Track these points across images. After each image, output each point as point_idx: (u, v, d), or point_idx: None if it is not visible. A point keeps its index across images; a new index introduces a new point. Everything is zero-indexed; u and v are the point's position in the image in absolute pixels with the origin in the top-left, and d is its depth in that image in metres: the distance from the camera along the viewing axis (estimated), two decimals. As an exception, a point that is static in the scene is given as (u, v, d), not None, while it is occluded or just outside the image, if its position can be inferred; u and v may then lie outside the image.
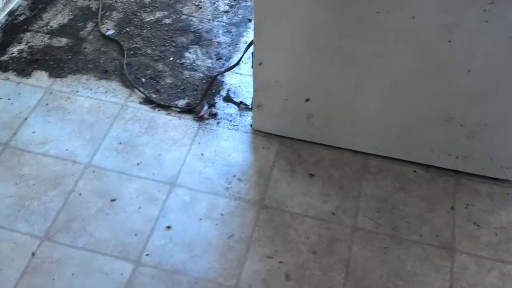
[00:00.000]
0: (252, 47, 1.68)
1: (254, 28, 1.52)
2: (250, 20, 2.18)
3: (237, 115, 1.85)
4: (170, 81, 1.94)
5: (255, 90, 1.68)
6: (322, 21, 1.44)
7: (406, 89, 1.53)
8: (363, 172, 1.69)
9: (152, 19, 2.16)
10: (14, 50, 2.03)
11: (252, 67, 1.69)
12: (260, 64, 1.56)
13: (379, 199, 1.63)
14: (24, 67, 1.96)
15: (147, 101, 1.87)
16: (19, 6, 2.19)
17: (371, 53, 1.46)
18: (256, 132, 1.79)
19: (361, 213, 1.59)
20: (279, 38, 1.51)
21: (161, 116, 1.83)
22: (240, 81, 1.95)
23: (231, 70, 1.95)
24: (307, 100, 1.63)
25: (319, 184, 1.66)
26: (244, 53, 1.77)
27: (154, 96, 1.89)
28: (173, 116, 1.84)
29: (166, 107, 1.86)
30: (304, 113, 1.67)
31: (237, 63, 1.84)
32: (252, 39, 1.61)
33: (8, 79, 1.92)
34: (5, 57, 2.00)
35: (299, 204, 1.60)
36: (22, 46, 2.04)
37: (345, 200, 1.62)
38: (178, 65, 2.00)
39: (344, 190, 1.65)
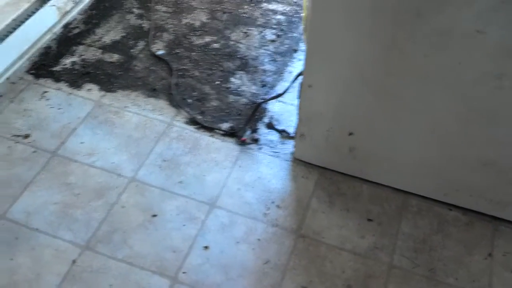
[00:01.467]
0: (299, 78, 1.72)
1: (305, 60, 1.56)
2: (295, 51, 2.22)
3: (278, 142, 1.88)
4: (215, 104, 1.99)
5: (299, 120, 1.71)
6: (370, 58, 1.47)
7: (447, 131, 1.54)
8: (402, 211, 1.70)
9: (201, 43, 2.22)
10: (67, 61, 2.10)
11: (298, 97, 1.73)
12: (309, 86, 1.58)
13: (417, 239, 1.63)
14: (76, 79, 2.03)
15: (192, 121, 1.92)
16: (74, 19, 2.27)
17: (416, 94, 1.49)
18: (297, 161, 1.81)
19: (398, 252, 1.59)
20: (327, 71, 1.54)
21: (205, 138, 1.87)
22: (283, 109, 1.99)
23: (275, 98, 1.98)
24: (350, 134, 1.65)
25: (356, 218, 1.66)
26: (292, 83, 1.80)
27: (199, 117, 1.93)
28: (216, 138, 1.88)
29: (210, 129, 1.90)
30: (346, 147, 1.69)
31: (284, 92, 1.88)
32: (300, 70, 1.65)
33: (60, 89, 1.98)
34: (58, 68, 2.07)
35: (336, 236, 1.61)
36: (75, 59, 2.11)
37: (382, 237, 1.63)
38: (224, 89, 2.05)
39: (382, 227, 1.65)
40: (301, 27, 2.30)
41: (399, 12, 1.34)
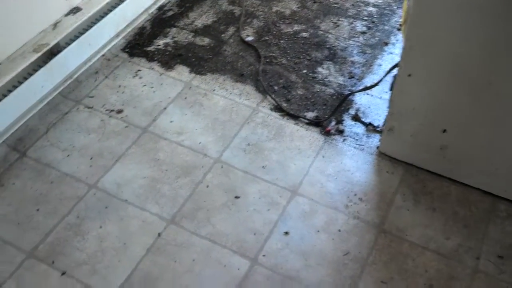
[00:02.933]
0: (393, 70, 1.69)
1: (402, 52, 1.52)
2: (386, 44, 2.18)
3: (363, 135, 1.85)
4: (301, 93, 1.98)
5: (390, 114, 1.67)
6: (473, 54, 1.41)
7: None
8: (491, 215, 1.63)
9: (290, 31, 2.22)
10: (160, 42, 2.16)
11: (389, 90, 1.69)
12: (408, 76, 1.54)
13: (505, 245, 1.56)
14: (168, 60, 2.09)
15: (277, 108, 1.93)
16: (169, 2, 2.33)
17: (523, 93, 1.42)
18: (382, 155, 1.78)
19: (484, 256, 1.53)
20: (426, 65, 1.50)
21: (289, 125, 1.88)
22: (370, 102, 1.95)
23: (365, 91, 1.95)
24: (444, 131, 1.60)
25: (442, 218, 1.62)
26: (386, 75, 1.76)
27: (284, 104, 1.94)
28: (301, 126, 1.87)
29: (294, 117, 1.90)
30: (437, 144, 1.64)
31: (375, 85, 1.84)
32: (395, 62, 1.61)
33: (152, 68, 2.05)
34: (151, 48, 2.14)
35: (420, 235, 1.57)
36: (167, 40, 2.17)
37: (468, 239, 1.57)
38: (311, 78, 2.04)
39: (468, 230, 1.60)
40: (395, 20, 2.25)
41: (508, 9, 1.27)
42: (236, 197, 1.65)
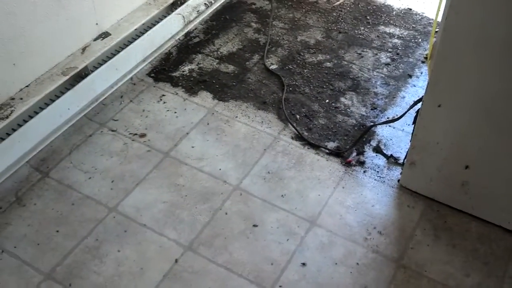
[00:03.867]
0: (417, 104, 1.68)
1: (427, 86, 1.52)
2: (410, 76, 2.18)
3: (384, 167, 1.84)
4: (323, 122, 1.99)
5: (412, 147, 1.66)
6: (498, 92, 1.40)
7: None
8: (512, 253, 1.60)
9: (314, 61, 2.23)
10: (186, 68, 2.19)
11: (413, 123, 1.68)
12: (433, 110, 1.53)
13: (527, 286, 1.52)
14: (192, 85, 2.12)
15: (298, 137, 1.93)
16: (195, 29, 2.38)
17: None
18: (403, 188, 1.77)
19: (506, 296, 1.50)
20: (450, 100, 1.49)
21: (310, 154, 1.88)
22: (392, 134, 1.95)
23: (389, 123, 1.95)
24: (466, 167, 1.58)
25: (463, 255, 1.59)
26: (410, 109, 1.76)
27: (305, 133, 1.94)
28: (321, 156, 1.87)
29: (315, 147, 1.90)
30: (459, 180, 1.62)
31: (399, 118, 1.84)
32: (420, 96, 1.61)
33: (177, 94, 2.07)
34: (176, 73, 2.17)
35: (439, 272, 1.55)
36: (193, 66, 2.20)
37: (488, 277, 1.54)
38: (333, 108, 2.04)
39: (488, 267, 1.56)
40: (419, 52, 2.25)
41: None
42: (254, 226, 1.65)
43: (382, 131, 1.96)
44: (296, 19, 2.44)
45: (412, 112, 1.79)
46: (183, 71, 2.18)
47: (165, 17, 2.18)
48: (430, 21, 2.41)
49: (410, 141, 1.68)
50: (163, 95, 2.06)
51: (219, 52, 2.27)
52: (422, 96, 1.57)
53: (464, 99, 1.47)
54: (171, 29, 2.23)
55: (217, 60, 2.23)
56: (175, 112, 2.00)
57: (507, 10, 1.25)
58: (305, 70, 2.19)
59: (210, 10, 2.42)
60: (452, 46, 1.40)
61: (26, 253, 1.56)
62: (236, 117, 2.00)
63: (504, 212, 1.62)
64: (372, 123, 1.96)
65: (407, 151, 1.71)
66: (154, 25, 2.15)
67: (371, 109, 2.04)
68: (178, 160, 1.83)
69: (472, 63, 1.40)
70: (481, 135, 1.51)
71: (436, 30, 1.63)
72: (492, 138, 1.50)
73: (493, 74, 1.38)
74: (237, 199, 1.72)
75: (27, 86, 1.83)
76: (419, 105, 1.61)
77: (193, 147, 1.88)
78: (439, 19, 1.48)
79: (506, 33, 1.29)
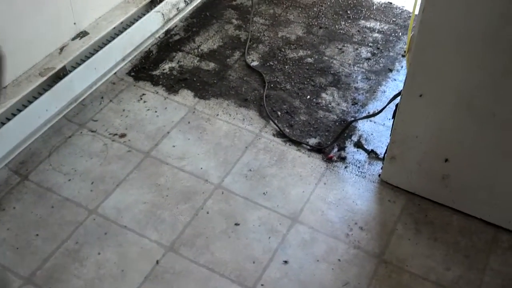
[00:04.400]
0: (396, 98, 1.69)
1: (405, 80, 1.52)
2: (390, 70, 2.18)
3: (366, 162, 1.85)
4: (304, 119, 1.98)
5: (392, 142, 1.67)
6: (478, 84, 1.41)
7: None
8: (492, 245, 1.61)
9: (295, 57, 2.23)
10: (166, 67, 2.18)
11: (392, 118, 1.69)
12: (411, 104, 1.53)
13: (506, 276, 1.54)
14: (173, 84, 2.10)
15: (280, 134, 1.93)
16: (175, 26, 2.36)
17: (526, 125, 1.40)
18: (384, 183, 1.77)
19: (485, 287, 1.51)
20: (428, 94, 1.49)
21: (291, 151, 1.87)
22: (373, 129, 1.95)
23: (368, 118, 1.95)
24: (446, 160, 1.59)
25: (444, 249, 1.60)
26: (388, 103, 1.76)
27: (287, 130, 1.94)
28: (303, 153, 1.87)
29: (297, 143, 1.90)
30: (439, 174, 1.63)
31: (379, 112, 1.84)
32: (399, 90, 1.61)
33: (157, 92, 2.06)
34: (157, 72, 2.16)
35: (420, 266, 1.56)
36: (173, 64, 2.19)
37: (469, 270, 1.55)
38: (314, 104, 2.04)
39: (469, 260, 1.57)
40: (400, 47, 2.26)
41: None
42: (236, 224, 1.65)
43: (363, 126, 1.96)
44: (277, 15, 2.43)
45: (392, 106, 1.79)
46: (163, 70, 2.16)
47: (144, 15, 2.16)
48: (410, 15, 2.41)
49: (390, 135, 1.68)
50: (144, 94, 2.05)
51: (199, 50, 2.26)
52: (401, 90, 1.57)
53: (442, 92, 1.47)
54: (151, 27, 2.22)
55: (198, 58, 2.22)
56: (156, 111, 1.99)
57: (484, 2, 1.25)
58: (286, 66, 2.19)
59: (190, 7, 2.40)
60: (429, 39, 1.40)
61: (5, 258, 1.54)
62: (217, 115, 1.99)
63: (484, 205, 1.63)
64: (353, 118, 1.96)
65: (387, 146, 1.72)
66: (133, 23, 2.13)
67: (352, 104, 2.04)
68: (159, 160, 1.82)
69: (450, 56, 1.40)
70: (460, 128, 1.52)
71: (414, 23, 1.63)
72: (471, 130, 1.50)
73: (471, 67, 1.38)
74: (219, 198, 1.71)
75: (4, 87, 1.80)
76: (398, 99, 1.61)
77: (174, 146, 1.87)
78: (417, 12, 1.48)
79: (484, 25, 1.29)
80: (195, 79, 2.13)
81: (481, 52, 1.35)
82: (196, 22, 2.38)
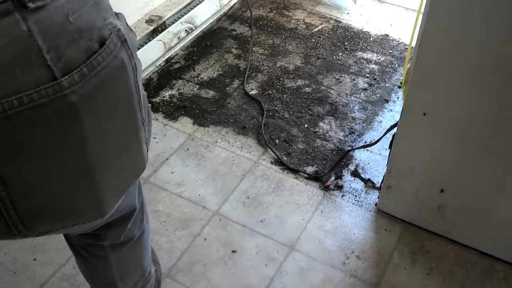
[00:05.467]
0: (394, 129, 1.71)
1: (402, 112, 1.55)
2: (387, 101, 2.22)
3: (362, 191, 1.86)
4: (302, 147, 2.01)
5: (388, 172, 1.69)
6: (476, 117, 1.42)
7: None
8: (487, 276, 1.62)
9: (293, 86, 2.27)
10: (166, 94, 2.21)
11: (389, 148, 1.71)
12: (408, 135, 1.57)
13: (503, 308, 1.54)
14: (172, 111, 2.13)
15: (278, 162, 1.95)
16: (176, 54, 2.40)
17: (522, 157, 1.43)
18: (380, 212, 1.79)
19: (482, 320, 1.51)
20: (425, 125, 1.52)
21: (289, 179, 1.89)
22: (370, 158, 1.97)
23: (365, 148, 1.97)
24: (441, 191, 1.61)
25: (439, 278, 1.61)
26: (385, 134, 1.79)
27: (285, 158, 1.96)
28: (300, 181, 1.89)
29: (294, 171, 1.92)
30: (435, 204, 1.65)
31: (376, 143, 1.87)
32: (395, 121, 1.64)
33: (157, 119, 2.09)
34: (157, 99, 2.19)
35: (416, 295, 1.56)
36: (173, 92, 2.22)
37: (465, 301, 1.56)
38: (312, 133, 2.07)
39: (465, 291, 1.58)
40: (396, 78, 2.30)
41: (508, 75, 1.30)
42: (233, 251, 1.65)
43: (360, 155, 1.98)
44: (275, 45, 2.47)
45: (389, 136, 1.82)
46: (163, 97, 2.20)
47: (146, 43, 2.20)
48: (407, 47, 2.46)
49: (387, 165, 1.70)
50: (143, 121, 2.07)
51: (199, 78, 2.29)
52: (398, 121, 1.60)
53: (438, 124, 1.50)
54: (152, 55, 2.26)
55: (198, 86, 2.25)
56: (155, 138, 2.01)
57: (481, 37, 1.29)
58: (285, 95, 2.22)
59: (191, 36, 2.45)
60: (425, 73, 1.43)
61: (3, 282, 1.54)
62: (216, 142, 2.01)
63: (480, 235, 1.65)
64: (350, 148, 1.99)
65: (384, 175, 1.74)
66: (135, 51, 2.16)
67: (349, 134, 2.07)
68: (157, 186, 1.83)
69: (446, 89, 1.43)
70: (456, 159, 1.54)
71: (411, 56, 1.67)
72: (467, 162, 1.52)
73: (467, 100, 1.41)
74: (216, 224, 1.73)
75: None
76: (395, 130, 1.64)
77: (172, 172, 1.88)
78: (414, 45, 1.52)
79: (480, 59, 1.32)
80: (194, 106, 2.16)
81: (476, 86, 1.38)
82: (197, 51, 2.43)
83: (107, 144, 0.81)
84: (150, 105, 1.05)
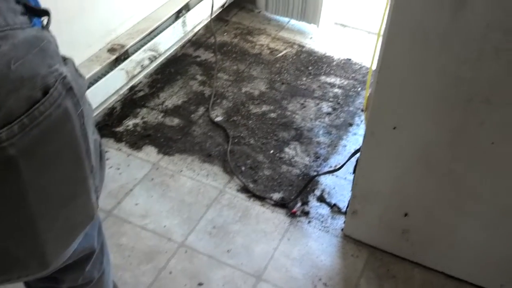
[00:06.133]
0: (356, 154, 1.73)
1: (364, 137, 1.56)
2: (351, 125, 2.24)
3: (329, 216, 1.87)
4: (268, 173, 2.01)
5: (353, 197, 1.70)
6: (437, 142, 1.44)
7: (511, 220, 1.48)
8: (455, 299, 1.63)
9: (258, 111, 2.27)
10: (130, 123, 2.19)
11: (353, 173, 1.72)
12: (370, 160, 1.58)
13: (470, 331, 1.55)
14: (136, 140, 2.11)
15: (244, 189, 1.94)
16: (140, 82, 2.38)
17: (482, 180, 1.45)
18: (347, 237, 1.79)
19: None
20: (387, 150, 1.54)
21: (255, 207, 1.88)
22: (336, 183, 1.98)
23: (330, 173, 1.98)
24: (405, 215, 1.62)
25: (407, 303, 1.61)
26: (349, 159, 1.80)
27: (251, 185, 1.95)
28: (267, 208, 1.88)
29: (261, 198, 1.91)
30: (400, 228, 1.66)
31: (339, 168, 1.88)
32: (359, 146, 1.65)
33: (120, 149, 2.06)
34: (120, 129, 2.16)
35: (384, 322, 1.56)
36: (137, 121, 2.20)
37: (432, 325, 1.56)
38: (278, 158, 2.07)
39: (432, 315, 1.59)
40: (359, 101, 2.33)
41: (469, 99, 1.32)
42: (200, 284, 1.63)
43: (326, 180, 1.99)
44: (240, 71, 2.48)
45: (354, 161, 1.83)
46: (127, 126, 2.17)
47: (108, 72, 2.18)
48: (368, 71, 2.49)
49: (351, 190, 1.71)
50: (106, 152, 2.04)
51: (164, 106, 2.28)
52: (361, 146, 1.61)
53: (400, 149, 1.52)
54: (115, 84, 2.23)
55: (162, 114, 2.24)
56: (118, 169, 1.98)
57: (438, 62, 1.31)
58: (250, 121, 2.22)
59: (155, 64, 2.43)
60: (385, 98, 1.45)
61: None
62: (181, 171, 1.99)
63: (445, 258, 1.66)
64: (315, 173, 2.00)
65: (349, 200, 1.74)
66: (97, 81, 2.13)
67: (314, 159, 2.08)
68: (121, 218, 1.80)
69: (406, 114, 1.45)
70: (418, 183, 1.55)
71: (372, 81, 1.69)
72: (429, 186, 1.54)
73: (427, 125, 1.43)
74: (182, 256, 1.70)
75: None
76: (358, 154, 1.65)
77: (137, 204, 1.85)
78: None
79: (439, 84, 1.35)
80: (159, 135, 2.14)
81: (436, 110, 1.40)
82: (161, 78, 2.42)
83: (50, 195, 0.78)
84: (105, 148, 1.02)
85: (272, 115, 2.26)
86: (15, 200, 0.73)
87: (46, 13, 0.78)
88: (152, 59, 2.37)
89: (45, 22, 0.78)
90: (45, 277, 1.04)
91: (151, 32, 2.31)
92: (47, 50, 0.74)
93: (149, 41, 2.31)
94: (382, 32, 1.40)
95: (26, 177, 0.72)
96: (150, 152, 2.05)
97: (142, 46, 2.30)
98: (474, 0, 1.19)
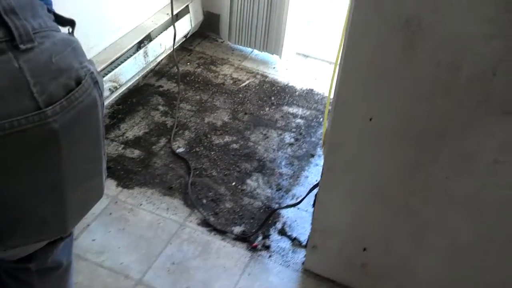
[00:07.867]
0: (315, 188, 1.73)
1: (322, 173, 1.56)
2: (312, 155, 2.24)
3: (290, 250, 1.85)
4: (229, 206, 1.99)
5: (313, 231, 1.69)
6: (392, 177, 1.46)
7: (467, 252, 1.49)
8: (414, 333, 1.62)
9: (221, 142, 2.26)
10: (89, 155, 2.14)
11: (313, 206, 1.72)
12: (328, 195, 1.57)
13: None
14: (95, 173, 2.06)
15: (205, 223, 1.92)
16: (101, 113, 2.35)
17: (436, 214, 1.46)
18: (307, 272, 1.78)
19: None
20: (344, 185, 1.54)
21: (216, 241, 1.86)
22: (297, 216, 1.98)
23: (291, 207, 1.98)
24: (364, 249, 1.62)
25: None
26: (308, 193, 1.80)
27: (212, 219, 1.93)
28: (227, 242, 1.86)
29: (222, 232, 1.89)
30: (359, 262, 1.65)
31: (299, 202, 1.87)
32: (317, 180, 1.66)
33: (79, 183, 2.01)
34: (79, 161, 2.12)
35: None
36: (97, 153, 2.16)
37: None
38: (239, 190, 2.06)
39: None
40: (321, 132, 2.34)
41: (422, 134, 1.34)
42: (156, 323, 1.59)
43: (287, 213, 1.98)
44: (203, 101, 2.47)
45: (314, 193, 1.83)
46: (86, 158, 2.13)
47: (67, 104, 2.14)
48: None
49: (311, 224, 1.70)
50: (64, 185, 2.00)
51: (124, 137, 2.25)
52: (318, 182, 1.61)
53: (357, 184, 1.52)
54: (74, 116, 2.19)
55: (123, 145, 2.21)
56: (76, 203, 1.93)
57: (391, 99, 1.32)
58: (212, 153, 2.21)
59: (116, 94, 2.41)
60: (342, 135, 1.46)
61: None
62: (141, 205, 1.96)
63: (403, 291, 1.66)
64: (277, 205, 1.99)
65: (309, 234, 1.74)
66: (55, 113, 2.10)
67: (276, 190, 2.07)
68: (77, 255, 1.75)
69: (361, 151, 1.46)
70: (375, 218, 1.56)
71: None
72: (386, 220, 1.55)
73: (382, 160, 1.44)
74: (139, 295, 1.66)
75: None
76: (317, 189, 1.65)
77: (93, 240, 1.81)
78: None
79: (392, 121, 1.36)
80: (119, 167, 2.10)
81: (390, 146, 1.41)
82: (122, 109, 2.39)
83: (77, 168, 0.93)
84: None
85: (235, 145, 2.25)
86: (51, 166, 0.88)
87: (72, 23, 0.95)
88: (112, 90, 2.35)
89: (70, 30, 0.95)
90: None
91: (111, 62, 2.29)
92: (77, 49, 0.90)
93: (109, 71, 2.29)
94: (339, 64, 1.41)
95: (63, 148, 0.87)
96: (109, 185, 2.02)
97: (103, 77, 2.28)
98: (423, 41, 1.21)
